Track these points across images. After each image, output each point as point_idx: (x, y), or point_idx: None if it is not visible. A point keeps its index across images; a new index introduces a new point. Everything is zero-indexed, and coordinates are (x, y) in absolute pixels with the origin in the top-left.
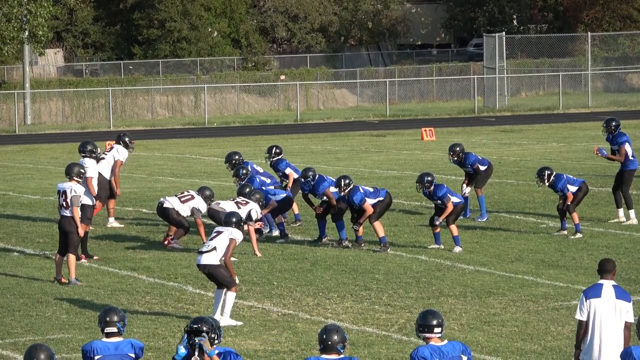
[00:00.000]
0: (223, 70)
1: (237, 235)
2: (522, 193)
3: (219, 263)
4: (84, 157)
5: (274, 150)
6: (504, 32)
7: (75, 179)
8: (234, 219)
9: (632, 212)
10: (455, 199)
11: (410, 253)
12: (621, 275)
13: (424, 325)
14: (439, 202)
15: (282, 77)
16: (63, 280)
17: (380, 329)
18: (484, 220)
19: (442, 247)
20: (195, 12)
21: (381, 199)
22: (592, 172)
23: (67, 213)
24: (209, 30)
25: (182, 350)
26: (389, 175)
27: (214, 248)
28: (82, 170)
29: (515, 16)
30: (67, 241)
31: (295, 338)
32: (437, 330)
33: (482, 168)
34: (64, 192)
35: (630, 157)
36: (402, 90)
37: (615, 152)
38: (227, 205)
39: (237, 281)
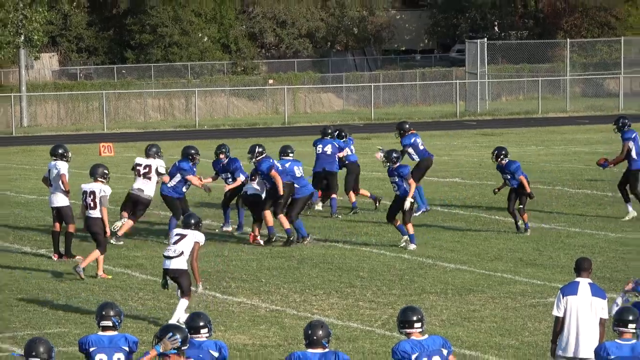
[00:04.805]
0: (213, 74)
1: (201, 237)
2: (501, 194)
3: (186, 268)
4: (55, 159)
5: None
6: (485, 39)
7: (100, 179)
8: (192, 221)
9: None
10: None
11: (394, 252)
12: (596, 273)
13: (404, 321)
14: (399, 179)
15: (271, 81)
16: (103, 275)
17: (364, 324)
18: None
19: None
20: (186, 17)
21: (304, 194)
22: (570, 174)
23: (93, 214)
24: (200, 35)
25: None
26: (374, 176)
27: (182, 253)
28: (106, 171)
29: (496, 23)
30: (95, 240)
31: (282, 333)
32: (417, 325)
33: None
34: (92, 192)
35: (634, 157)
36: (386, 95)
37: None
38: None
39: (201, 288)
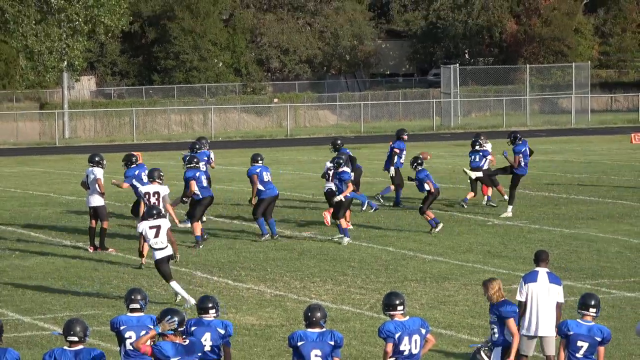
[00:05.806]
0: (227, 94)
1: (168, 222)
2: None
3: (172, 253)
4: (92, 166)
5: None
6: (457, 64)
7: (157, 181)
8: (155, 211)
9: (510, 208)
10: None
11: (380, 245)
12: (553, 264)
13: (389, 304)
14: (339, 182)
15: (275, 100)
16: (144, 261)
17: (355, 307)
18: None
19: (349, 239)
20: (204, 46)
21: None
22: (530, 179)
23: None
24: (215, 61)
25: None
26: (364, 181)
27: (167, 244)
28: (162, 173)
29: (467, 51)
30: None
31: (285, 315)
32: (399, 308)
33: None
34: (156, 192)
35: (522, 165)
36: (374, 111)
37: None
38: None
39: (178, 257)
